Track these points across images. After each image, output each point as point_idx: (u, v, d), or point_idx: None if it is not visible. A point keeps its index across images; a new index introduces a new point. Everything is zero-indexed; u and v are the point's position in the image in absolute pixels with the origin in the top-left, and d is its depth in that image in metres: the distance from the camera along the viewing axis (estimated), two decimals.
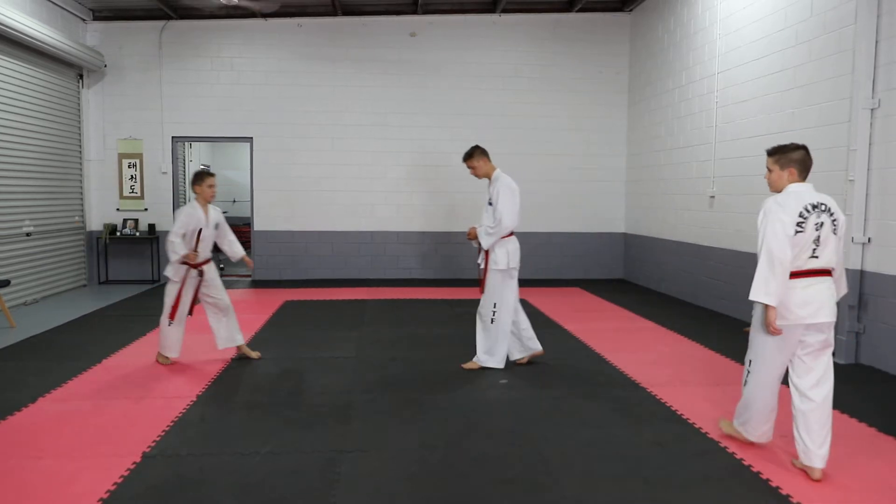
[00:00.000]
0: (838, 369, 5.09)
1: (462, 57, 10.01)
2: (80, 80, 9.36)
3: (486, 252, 4.90)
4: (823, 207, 3.15)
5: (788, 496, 2.98)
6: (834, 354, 5.43)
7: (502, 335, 4.96)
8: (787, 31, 6.19)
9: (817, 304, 3.14)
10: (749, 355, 3.41)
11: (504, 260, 4.88)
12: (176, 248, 4.81)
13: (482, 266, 4.98)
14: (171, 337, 5.08)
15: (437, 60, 10.00)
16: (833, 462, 3.36)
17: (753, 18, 6.76)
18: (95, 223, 9.69)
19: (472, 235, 5.01)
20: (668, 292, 8.74)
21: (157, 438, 3.63)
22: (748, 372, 3.41)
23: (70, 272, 9.09)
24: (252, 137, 9.88)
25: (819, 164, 5.72)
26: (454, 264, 10.10)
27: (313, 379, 4.80)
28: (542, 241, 10.31)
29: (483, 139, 9.99)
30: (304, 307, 7.69)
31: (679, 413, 4.09)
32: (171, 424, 3.86)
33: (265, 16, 9.62)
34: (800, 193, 3.17)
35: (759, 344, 3.31)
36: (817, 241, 3.13)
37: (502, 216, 4.80)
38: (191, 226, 4.90)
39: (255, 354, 5.30)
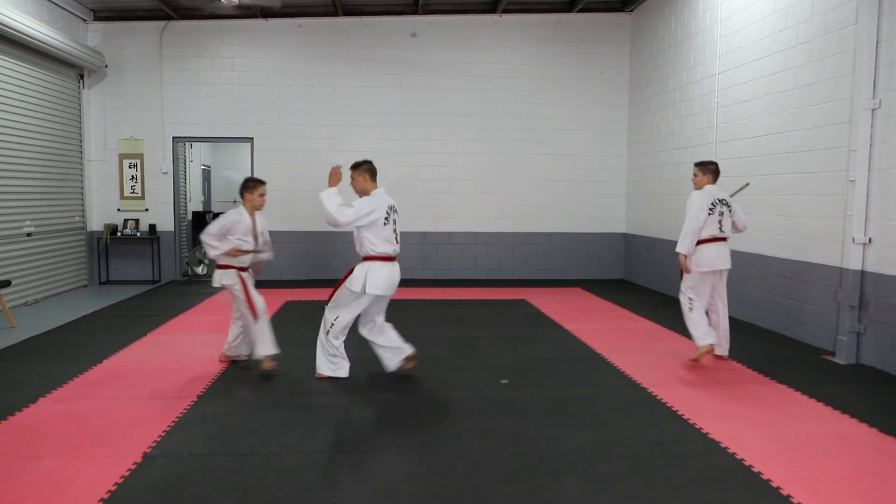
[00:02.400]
0: (839, 369, 5.12)
1: (462, 57, 10.02)
2: (81, 81, 9.36)
3: (352, 268, 4.62)
4: (724, 201, 5.26)
5: (789, 496, 2.98)
6: (834, 355, 5.46)
7: (338, 346, 4.76)
8: (788, 32, 6.19)
9: (722, 257, 5.22)
10: (687, 294, 5.29)
11: (359, 284, 4.49)
12: (212, 243, 4.73)
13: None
14: (265, 333, 4.86)
15: (438, 60, 10.00)
16: (834, 462, 3.37)
17: (754, 19, 6.75)
18: (96, 223, 9.70)
19: (334, 177, 4.60)
20: (669, 292, 8.73)
21: (158, 438, 3.63)
22: (691, 302, 5.26)
23: (71, 272, 9.10)
24: (252, 137, 9.88)
25: (820, 164, 5.76)
26: (454, 265, 10.10)
27: (313, 379, 4.80)
28: (543, 242, 10.31)
29: (483, 139, 10.12)
30: (305, 307, 7.69)
31: (679, 413, 4.09)
32: (172, 424, 3.86)
33: (266, 16, 9.63)
34: (712, 191, 5.26)
35: (692, 283, 5.27)
36: (720, 221, 5.20)
37: (347, 208, 4.46)
38: (234, 231, 4.79)
39: (244, 358, 5.25)
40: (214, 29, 9.72)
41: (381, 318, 4.83)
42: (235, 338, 5.12)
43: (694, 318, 5.23)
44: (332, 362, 4.79)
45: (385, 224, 4.56)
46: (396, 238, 4.66)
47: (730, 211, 5.27)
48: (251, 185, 4.93)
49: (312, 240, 10.03)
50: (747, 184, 6.19)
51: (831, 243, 5.63)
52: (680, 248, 5.17)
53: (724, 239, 5.24)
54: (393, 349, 4.81)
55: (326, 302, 4.76)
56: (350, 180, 4.73)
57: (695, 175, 5.37)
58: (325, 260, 10.02)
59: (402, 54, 9.94)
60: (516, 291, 9.02)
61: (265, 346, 4.83)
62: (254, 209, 4.92)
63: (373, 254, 4.57)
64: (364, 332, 4.84)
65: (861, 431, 3.80)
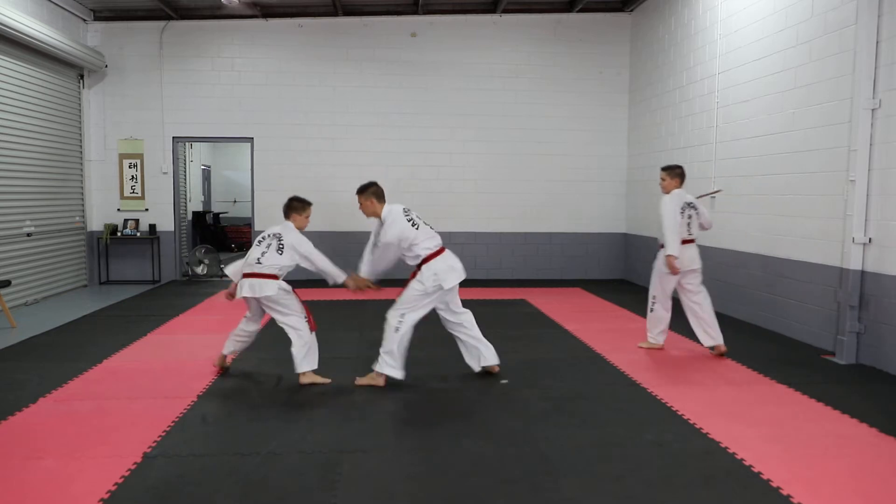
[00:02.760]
0: (839, 369, 5.11)
1: (462, 57, 10.02)
2: (81, 81, 9.36)
3: (416, 269, 4.65)
4: (692, 204, 5.47)
5: (789, 496, 2.98)
6: (834, 355, 5.46)
7: (402, 346, 4.64)
8: (788, 32, 6.19)
9: (692, 258, 5.44)
10: (652, 292, 5.62)
11: (432, 281, 4.54)
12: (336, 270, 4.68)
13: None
14: (315, 346, 4.73)
15: (438, 60, 10.00)
16: (834, 462, 3.37)
17: (754, 19, 6.75)
18: (96, 223, 9.70)
19: (359, 284, 4.72)
20: None
21: (158, 438, 3.63)
22: (654, 301, 5.61)
23: (71, 272, 9.10)
24: (253, 137, 9.89)
25: (820, 164, 5.76)
26: None
27: None
28: (543, 242, 10.32)
29: (483, 139, 10.13)
30: None
31: (679, 413, 4.09)
32: (172, 424, 3.86)
33: (266, 16, 9.63)
34: (681, 194, 5.44)
35: (657, 284, 5.58)
36: (689, 224, 5.43)
37: (380, 248, 4.62)
38: None
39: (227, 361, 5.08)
40: (214, 29, 9.72)
41: (460, 308, 4.85)
42: (244, 342, 4.93)
43: (653, 318, 5.67)
44: (393, 361, 4.65)
45: (418, 228, 4.61)
46: (432, 228, 4.73)
47: (697, 213, 5.51)
48: (299, 205, 4.78)
49: (312, 240, 9.92)
50: (720, 189, 6.30)
51: (831, 243, 5.63)
52: (671, 251, 5.31)
53: (692, 241, 5.48)
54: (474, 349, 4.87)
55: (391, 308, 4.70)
56: (358, 206, 4.74)
57: (662, 179, 5.56)
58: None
59: (402, 54, 9.94)
60: (516, 291, 9.02)
61: (312, 360, 4.69)
62: (300, 229, 4.79)
63: (428, 253, 4.60)
64: (456, 331, 4.87)
65: (861, 431, 3.80)
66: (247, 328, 4.84)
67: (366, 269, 4.75)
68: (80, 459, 3.36)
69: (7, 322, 6.62)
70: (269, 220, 9.90)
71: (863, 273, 5.29)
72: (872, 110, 5.16)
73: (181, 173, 10.27)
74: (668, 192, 5.47)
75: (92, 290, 9.11)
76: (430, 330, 4.96)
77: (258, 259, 4.56)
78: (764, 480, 3.15)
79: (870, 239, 5.23)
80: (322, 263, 4.67)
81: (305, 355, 4.65)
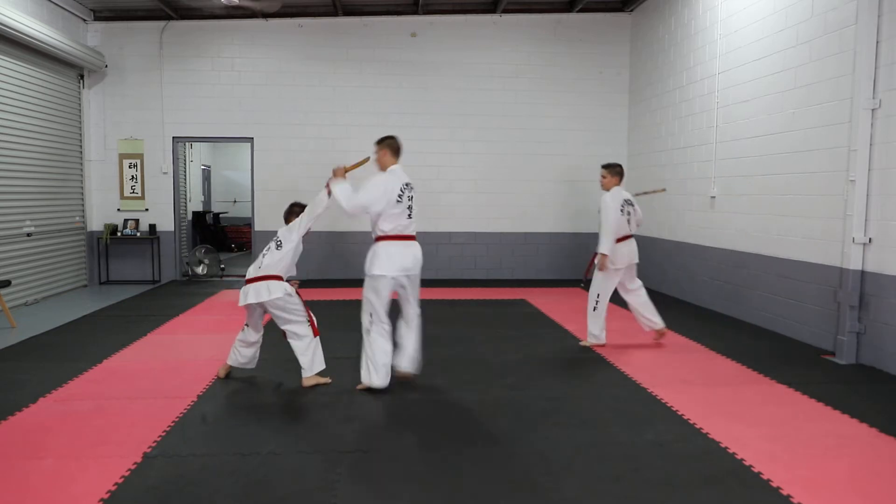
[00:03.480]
0: (839, 369, 5.11)
1: (462, 57, 10.02)
2: (81, 81, 9.36)
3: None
4: (629, 201, 5.70)
5: (789, 496, 2.98)
6: (834, 355, 5.46)
7: (375, 352, 4.46)
8: (788, 32, 6.19)
9: (633, 252, 5.69)
10: (596, 290, 5.68)
11: (369, 266, 4.36)
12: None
13: None
14: (319, 348, 4.67)
15: (438, 60, 10.00)
16: (834, 462, 3.37)
17: (754, 19, 6.75)
18: (96, 223, 9.70)
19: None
20: (669, 292, 8.74)
21: (158, 438, 3.64)
22: (597, 301, 5.68)
23: (71, 272, 9.10)
24: (252, 137, 9.88)
25: (820, 164, 5.76)
26: (454, 265, 10.10)
27: None
28: (544, 242, 10.32)
29: (483, 139, 10.13)
30: None
31: (679, 413, 4.09)
32: (172, 424, 3.86)
33: (266, 16, 9.63)
34: (620, 192, 5.68)
35: (602, 282, 5.66)
36: (628, 220, 5.67)
37: (358, 193, 4.31)
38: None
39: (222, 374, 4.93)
40: (214, 29, 9.72)
41: (411, 309, 4.71)
42: (250, 359, 4.80)
43: (595, 316, 5.75)
44: (368, 368, 4.49)
45: (399, 202, 4.39)
46: (410, 214, 4.49)
47: (633, 210, 5.77)
48: (299, 210, 4.75)
49: (313, 240, 9.97)
50: (664, 189, 6.43)
51: (831, 243, 5.63)
52: (604, 249, 5.52)
53: (631, 236, 5.71)
54: (399, 349, 4.71)
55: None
56: (375, 157, 4.61)
57: (603, 177, 5.78)
58: (326, 260, 10.02)
59: (402, 54, 9.94)
60: (516, 291, 9.02)
61: (319, 363, 4.65)
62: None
63: (382, 233, 4.40)
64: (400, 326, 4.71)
65: (861, 431, 3.81)
66: (247, 338, 4.71)
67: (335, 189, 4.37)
68: (80, 459, 3.36)
69: (7, 322, 6.62)
70: (269, 220, 9.93)
71: (863, 273, 5.29)
72: (872, 110, 5.16)
73: (181, 173, 10.27)
74: (608, 190, 5.69)
75: (92, 290, 9.11)
76: (430, 329, 4.96)
77: (260, 265, 4.55)
78: (764, 480, 3.15)
79: (870, 239, 5.23)
80: (312, 211, 4.55)
81: (312, 360, 4.62)
